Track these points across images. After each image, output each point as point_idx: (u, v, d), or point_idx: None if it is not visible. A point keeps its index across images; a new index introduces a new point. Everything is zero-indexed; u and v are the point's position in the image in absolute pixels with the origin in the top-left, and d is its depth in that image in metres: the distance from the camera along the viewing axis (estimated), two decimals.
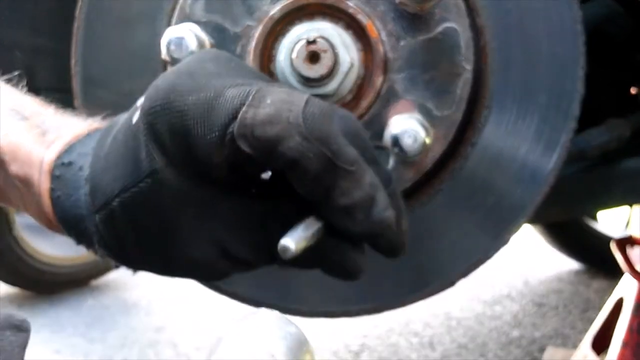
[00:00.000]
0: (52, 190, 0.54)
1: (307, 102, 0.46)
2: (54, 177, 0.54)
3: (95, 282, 2.78)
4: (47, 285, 2.61)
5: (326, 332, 2.01)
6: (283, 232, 0.49)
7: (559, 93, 0.69)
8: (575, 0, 0.68)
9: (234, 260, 0.52)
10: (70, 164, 0.53)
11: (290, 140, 0.45)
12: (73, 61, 0.71)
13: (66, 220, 0.54)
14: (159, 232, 0.51)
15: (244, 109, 0.45)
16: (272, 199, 0.51)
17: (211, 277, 0.55)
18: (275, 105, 0.45)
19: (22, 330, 0.48)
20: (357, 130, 0.50)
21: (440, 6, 0.64)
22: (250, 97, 0.46)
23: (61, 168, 0.53)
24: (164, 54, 0.61)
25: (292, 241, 0.47)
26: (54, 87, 0.89)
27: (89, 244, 0.54)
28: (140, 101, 0.50)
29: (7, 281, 2.55)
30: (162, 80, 0.49)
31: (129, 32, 0.70)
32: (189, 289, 2.24)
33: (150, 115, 0.48)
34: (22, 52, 0.91)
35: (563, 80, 0.68)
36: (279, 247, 0.47)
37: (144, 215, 0.50)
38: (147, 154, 0.48)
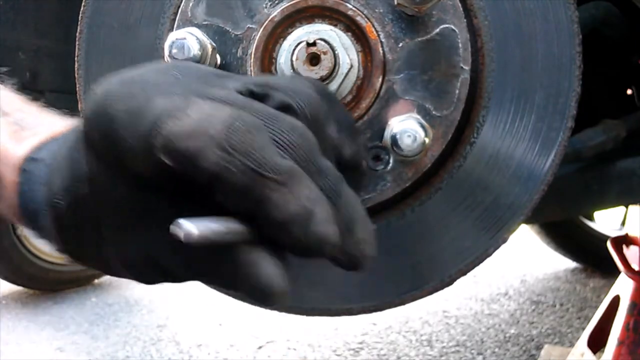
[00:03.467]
0: (19, 184, 0.55)
1: (233, 116, 0.44)
2: (22, 172, 0.55)
3: (98, 281, 2.79)
4: (51, 283, 2.62)
5: (326, 330, 2.02)
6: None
7: (555, 92, 0.69)
8: (572, 0, 0.69)
9: (163, 270, 0.50)
10: (38, 160, 0.54)
11: (210, 153, 0.42)
12: (77, 65, 0.71)
13: (27, 214, 0.55)
14: (96, 234, 0.51)
15: (164, 119, 0.44)
16: (209, 211, 0.47)
17: (146, 282, 0.54)
18: (199, 117, 0.43)
19: None
20: (299, 142, 0.46)
21: (438, 7, 0.65)
22: (175, 109, 0.44)
23: (30, 163, 0.54)
24: (166, 58, 0.61)
25: (194, 226, 0.41)
26: (57, 89, 0.89)
27: (47, 238, 0.55)
28: None
29: (11, 280, 2.55)
30: (100, 87, 0.48)
31: (132, 36, 0.70)
32: (190, 287, 2.25)
33: (86, 121, 0.48)
34: (26, 53, 0.91)
35: (560, 80, 0.69)
36: (174, 226, 0.41)
37: (82, 217, 0.51)
38: (85, 159, 0.49)
